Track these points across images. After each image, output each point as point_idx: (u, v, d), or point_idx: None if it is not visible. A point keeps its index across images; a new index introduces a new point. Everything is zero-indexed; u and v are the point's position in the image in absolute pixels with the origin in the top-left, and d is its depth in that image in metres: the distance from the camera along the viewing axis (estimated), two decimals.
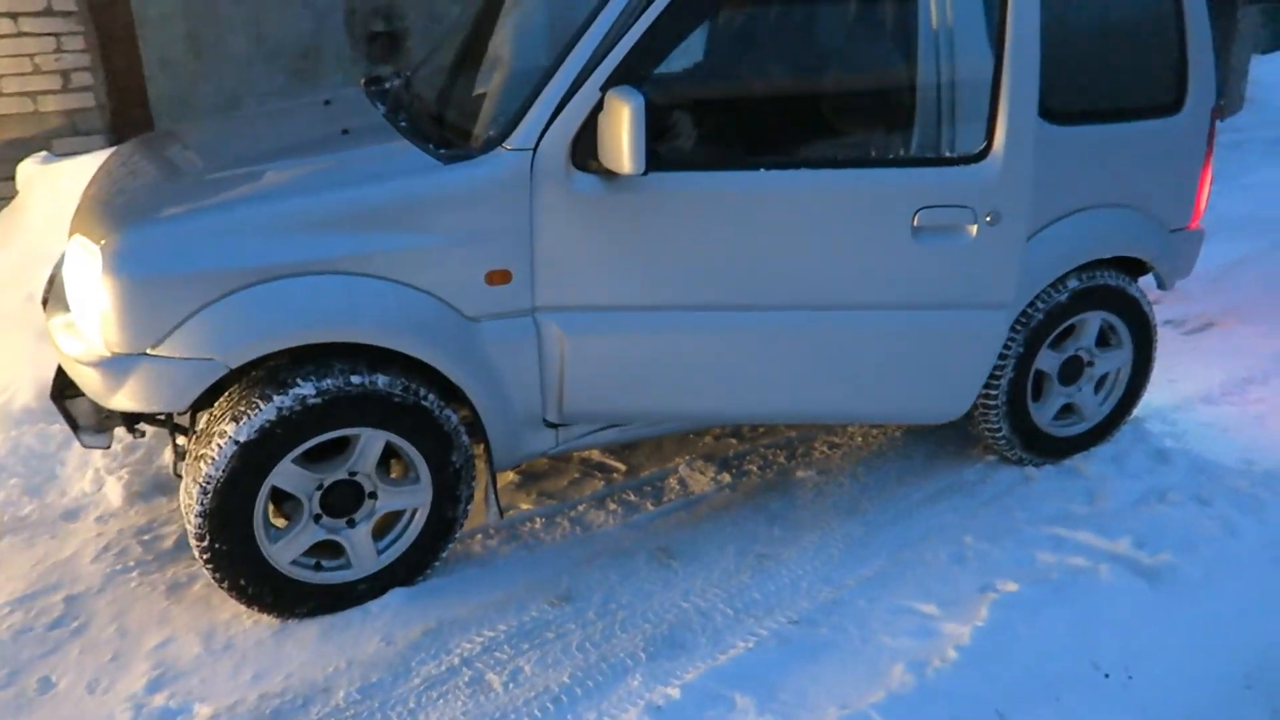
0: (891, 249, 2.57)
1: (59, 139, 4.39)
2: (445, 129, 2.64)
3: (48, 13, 4.31)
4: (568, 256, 2.45)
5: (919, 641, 2.33)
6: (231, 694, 2.27)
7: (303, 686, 2.28)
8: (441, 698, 2.24)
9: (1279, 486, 3.02)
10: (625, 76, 2.30)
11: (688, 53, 3.92)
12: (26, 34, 4.27)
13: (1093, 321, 3.12)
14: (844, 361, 2.70)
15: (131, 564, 2.76)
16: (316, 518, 2.45)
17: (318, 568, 2.50)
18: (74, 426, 2.67)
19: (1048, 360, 3.10)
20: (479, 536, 2.91)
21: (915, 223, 2.55)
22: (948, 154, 2.58)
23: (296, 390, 2.30)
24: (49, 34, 4.31)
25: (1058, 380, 3.15)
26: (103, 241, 2.26)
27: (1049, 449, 3.19)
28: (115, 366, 2.28)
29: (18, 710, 2.26)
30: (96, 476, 3.18)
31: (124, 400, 2.31)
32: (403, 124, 2.74)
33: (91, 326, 2.32)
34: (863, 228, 2.56)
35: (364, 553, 2.51)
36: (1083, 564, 2.56)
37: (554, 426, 2.67)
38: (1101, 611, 2.39)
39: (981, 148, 2.56)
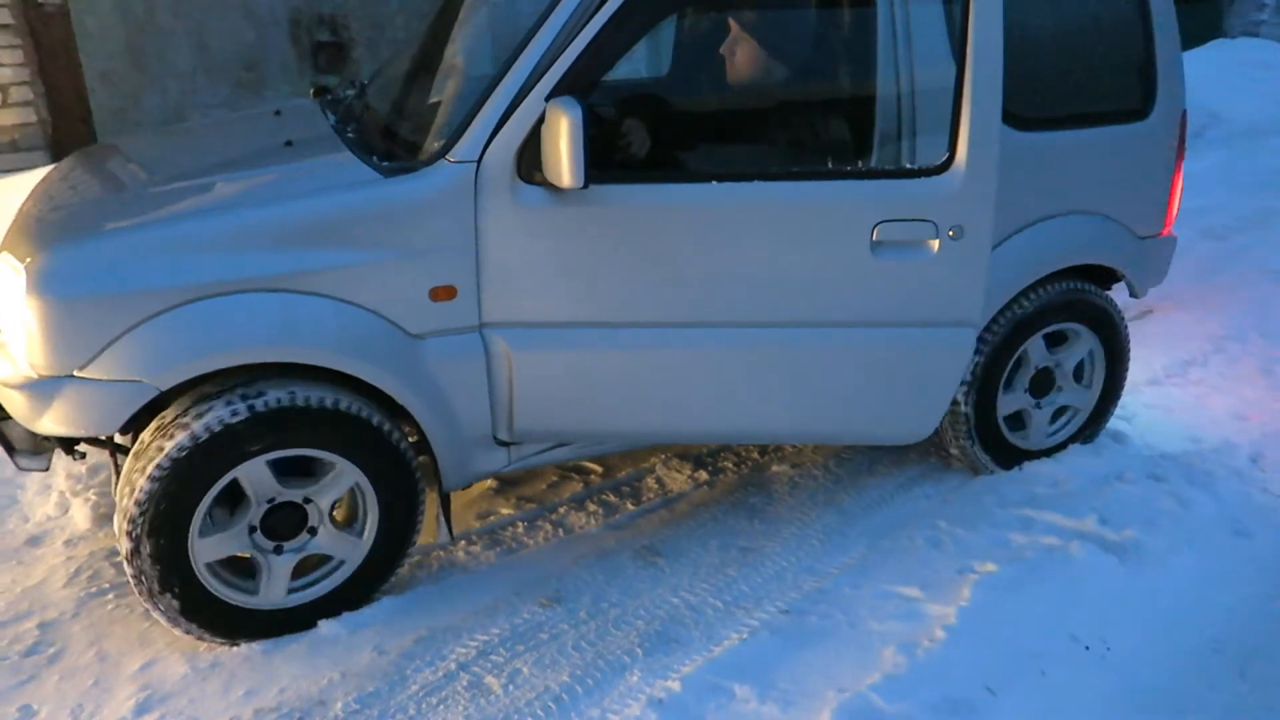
0: (849, 264, 2.50)
1: (0, 155, 4.28)
2: (393, 141, 2.59)
3: None
4: (515, 271, 2.39)
5: (906, 624, 2.39)
6: (224, 712, 2.23)
7: (298, 700, 2.26)
8: (442, 703, 2.24)
9: (1226, 460, 3.18)
10: (571, 87, 2.25)
11: (638, 63, 3.96)
12: None
13: (1073, 337, 3.10)
14: (801, 380, 2.63)
15: (105, 586, 2.69)
16: (277, 549, 2.39)
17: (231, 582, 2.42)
18: (9, 449, 2.58)
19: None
20: (462, 543, 2.91)
21: (874, 237, 2.47)
22: (908, 165, 2.51)
23: (278, 394, 2.26)
24: None
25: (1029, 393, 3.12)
26: (27, 260, 2.19)
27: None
28: (41, 389, 2.22)
29: None
30: (61, 500, 3.09)
31: (50, 424, 2.25)
32: (350, 136, 2.68)
33: (18, 348, 2.25)
34: (818, 242, 2.49)
35: (276, 585, 2.42)
36: (1054, 543, 2.65)
37: (506, 445, 2.62)
38: (1076, 587, 2.48)
39: (944, 159, 2.49)
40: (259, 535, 2.37)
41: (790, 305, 2.54)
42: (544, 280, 2.42)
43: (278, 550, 2.39)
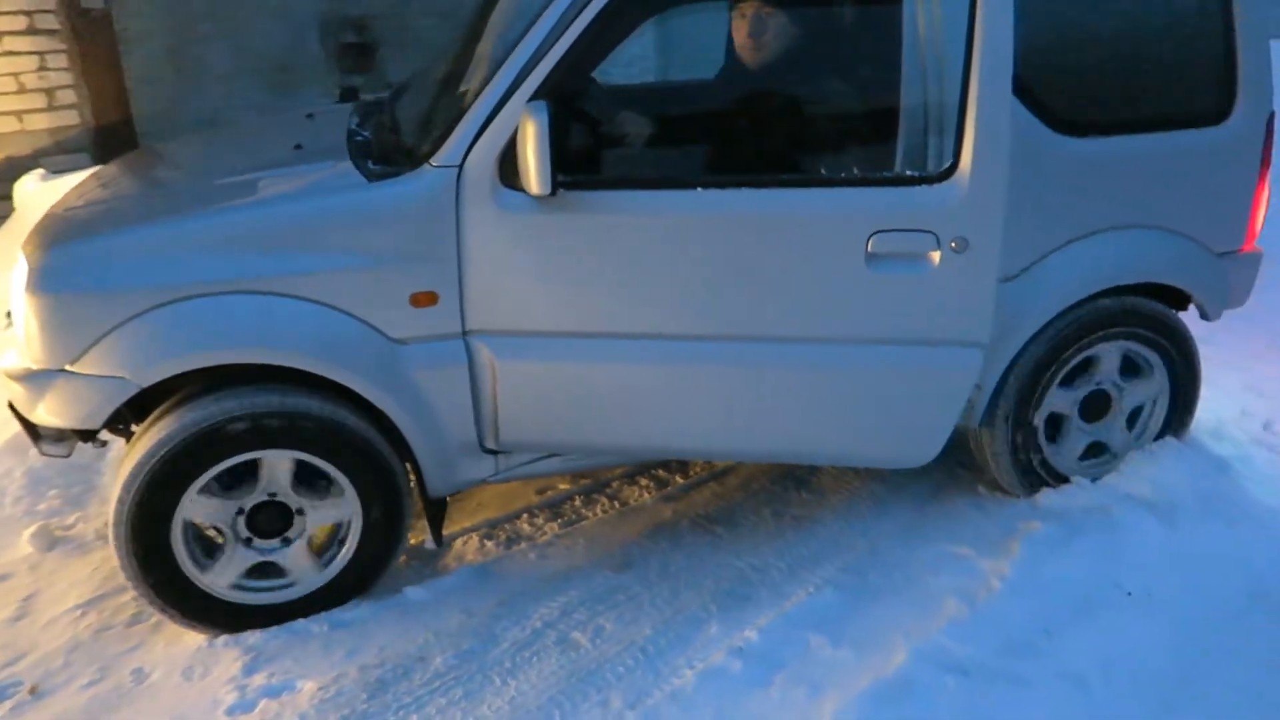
0: (841, 277, 2.37)
1: (46, 157, 4.39)
2: (395, 146, 2.58)
3: (31, 31, 4.32)
4: (498, 278, 2.36)
5: (962, 579, 2.55)
6: (330, 670, 2.37)
7: (398, 658, 2.40)
8: (535, 656, 2.39)
9: (1245, 428, 3.36)
10: (551, 93, 2.22)
11: (623, 66, 4.03)
12: (11, 53, 4.27)
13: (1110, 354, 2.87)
14: (794, 399, 2.51)
15: None
16: (247, 541, 2.45)
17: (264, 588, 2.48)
18: (33, 436, 2.64)
19: (1060, 399, 2.87)
20: (525, 516, 3.05)
21: (869, 249, 2.34)
22: (908, 173, 2.35)
23: (184, 419, 2.29)
24: (33, 52, 4.32)
25: (1079, 418, 2.92)
26: (32, 258, 2.31)
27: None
28: (37, 381, 2.32)
29: (120, 701, 2.32)
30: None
31: (44, 415, 2.34)
32: (357, 140, 2.69)
33: (21, 340, 2.36)
34: (808, 253, 2.37)
35: (305, 568, 2.49)
36: (1092, 503, 2.81)
37: (493, 454, 2.59)
38: (1117, 543, 2.64)
39: (947, 166, 2.32)
40: (241, 521, 2.43)
41: (781, 319, 2.43)
42: (527, 288, 2.39)
43: (285, 543, 2.48)
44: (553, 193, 2.19)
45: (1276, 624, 2.44)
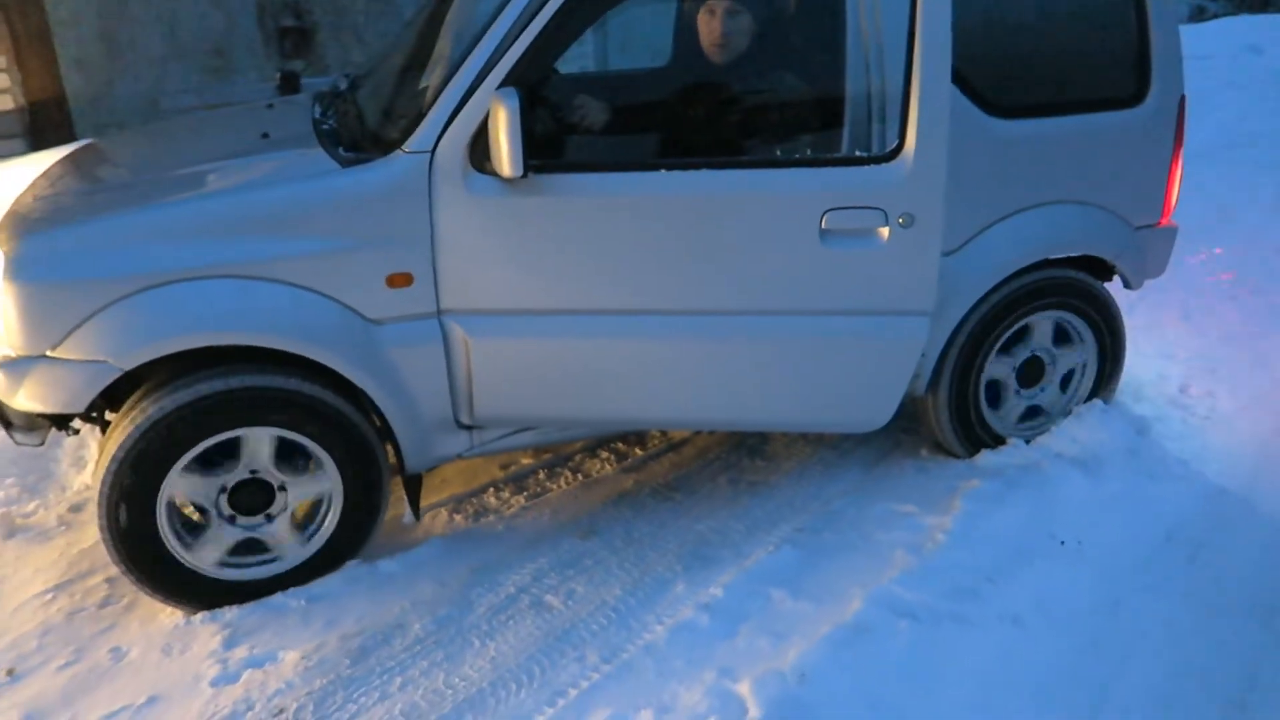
0: (798, 252, 2.49)
1: None
2: (363, 133, 2.64)
3: None
4: (469, 259, 2.44)
5: (910, 534, 2.72)
6: (311, 640, 2.43)
7: (377, 625, 2.47)
8: (510, 619, 2.48)
9: (1161, 390, 3.61)
10: (519, 79, 2.29)
11: (591, 54, 4.13)
12: None
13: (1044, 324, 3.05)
14: (754, 369, 2.63)
15: None
16: (231, 518, 2.50)
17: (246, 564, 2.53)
18: (6, 425, 2.67)
19: (998, 366, 3.05)
20: (491, 490, 3.14)
21: (823, 225, 2.46)
22: (858, 153, 2.48)
23: (164, 400, 2.33)
24: None
25: (1017, 384, 3.12)
26: (6, 247, 2.32)
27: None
28: (17, 367, 2.34)
29: (99, 680, 2.35)
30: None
31: (25, 400, 2.36)
32: (325, 128, 2.74)
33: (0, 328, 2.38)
34: (767, 230, 2.48)
35: (288, 543, 2.55)
36: (1028, 462, 3.01)
37: (468, 429, 2.67)
38: (1050, 496, 2.84)
39: (893, 147, 2.45)
40: (224, 500, 2.48)
41: (740, 293, 2.54)
42: (497, 268, 2.46)
43: (269, 519, 2.53)
44: (524, 175, 2.27)
45: (1190, 563, 2.67)
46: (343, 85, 3.34)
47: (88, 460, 3.25)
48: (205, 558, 2.50)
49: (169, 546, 2.45)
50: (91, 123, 4.68)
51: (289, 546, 2.57)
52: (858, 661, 2.16)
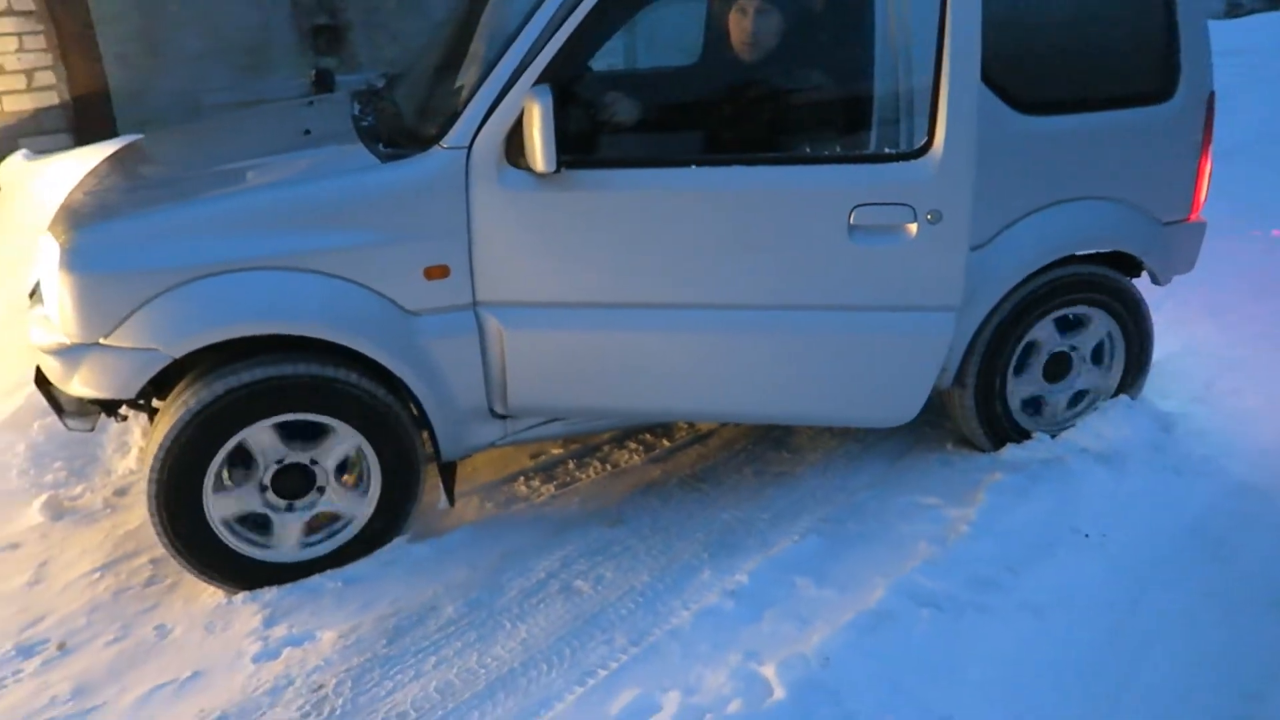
0: (826, 248, 2.53)
1: (25, 137, 4.41)
2: (401, 130, 2.72)
3: (8, 12, 4.34)
4: (504, 252, 2.51)
5: (932, 525, 2.76)
6: (347, 620, 2.51)
7: (411, 608, 2.55)
8: (541, 603, 2.55)
9: (1185, 386, 3.62)
10: (555, 76, 2.36)
11: (625, 51, 4.17)
12: None
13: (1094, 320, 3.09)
14: (782, 362, 2.67)
15: None
16: (263, 488, 2.57)
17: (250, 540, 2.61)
18: (59, 411, 2.79)
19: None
20: (520, 479, 3.21)
21: (851, 221, 2.51)
22: (887, 150, 2.52)
23: (287, 367, 2.46)
24: (10, 34, 4.33)
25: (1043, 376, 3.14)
26: (62, 239, 2.41)
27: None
28: (72, 355, 2.43)
29: (146, 655, 2.45)
30: (141, 454, 3.31)
31: (79, 386, 2.46)
32: (364, 125, 2.82)
33: (55, 317, 2.46)
34: (794, 226, 2.52)
35: (289, 539, 2.62)
36: (1051, 456, 3.04)
37: (501, 418, 2.74)
38: (1073, 490, 2.87)
39: (922, 143, 2.49)
40: (270, 494, 2.58)
41: (769, 287, 2.59)
42: (532, 261, 2.53)
43: (289, 508, 2.61)
44: (556, 170, 2.33)
45: (1211, 558, 2.69)
46: (379, 83, 3.43)
47: (131, 445, 3.35)
48: (285, 547, 2.61)
49: (204, 486, 2.50)
50: (132, 118, 4.79)
51: (287, 541, 2.63)
52: (880, 647, 2.20)
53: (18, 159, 4.12)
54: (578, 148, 2.44)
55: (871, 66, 2.53)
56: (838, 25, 2.77)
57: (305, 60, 5.60)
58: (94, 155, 3.91)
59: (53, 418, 3.44)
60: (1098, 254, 3.08)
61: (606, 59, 2.81)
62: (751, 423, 3.27)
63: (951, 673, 2.18)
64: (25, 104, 4.41)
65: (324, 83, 5.69)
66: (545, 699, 2.21)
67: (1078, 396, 3.26)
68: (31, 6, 4.34)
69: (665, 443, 3.43)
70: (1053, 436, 3.17)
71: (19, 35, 4.32)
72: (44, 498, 3.07)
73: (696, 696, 2.12)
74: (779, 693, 2.07)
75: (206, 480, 2.49)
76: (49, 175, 3.97)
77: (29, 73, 4.38)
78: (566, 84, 2.42)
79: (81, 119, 4.62)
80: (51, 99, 4.51)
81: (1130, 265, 3.16)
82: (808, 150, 2.57)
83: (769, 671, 2.15)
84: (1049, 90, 2.83)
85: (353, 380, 2.53)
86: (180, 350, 2.40)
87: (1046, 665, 2.25)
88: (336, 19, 5.73)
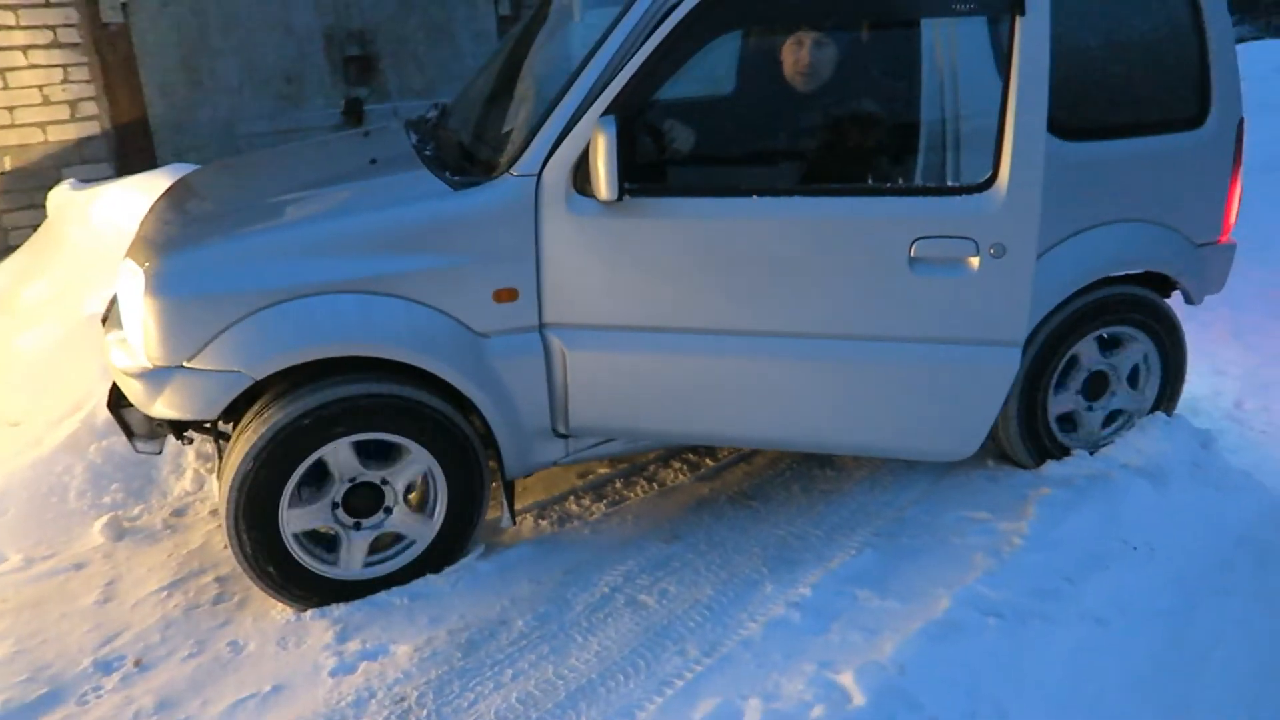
0: (887, 279, 2.57)
1: (68, 166, 4.49)
2: (465, 158, 2.81)
3: (54, 45, 4.43)
4: (570, 276, 2.58)
5: (985, 539, 2.82)
6: (419, 634, 2.56)
7: (481, 622, 2.60)
8: (609, 617, 2.60)
9: (1218, 404, 3.70)
10: (623, 107, 2.43)
11: (690, 82, 4.25)
12: (35, 66, 4.37)
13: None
14: (841, 392, 2.71)
15: None
16: (334, 506, 2.64)
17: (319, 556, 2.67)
18: (129, 434, 2.87)
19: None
20: (571, 497, 3.27)
21: (912, 253, 2.55)
22: (950, 183, 2.57)
23: (373, 386, 2.53)
24: (57, 65, 4.42)
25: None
26: (145, 265, 2.48)
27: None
28: (156, 378, 2.50)
29: (223, 670, 2.49)
30: (196, 476, 3.37)
31: (163, 408, 2.52)
32: (427, 153, 2.91)
33: (137, 341, 2.54)
34: (854, 256, 2.57)
35: (353, 558, 2.68)
36: (1095, 471, 3.11)
37: (564, 437, 2.80)
38: (1120, 504, 2.93)
39: (986, 177, 2.53)
40: (340, 512, 2.64)
41: (828, 317, 2.63)
42: (596, 285, 2.60)
43: (357, 526, 2.67)
44: (619, 198, 2.41)
45: (1259, 566, 2.75)
46: (432, 114, 3.52)
47: (185, 467, 3.40)
48: (352, 565, 2.67)
49: (281, 501, 2.55)
50: (172, 147, 4.88)
51: (352, 559, 2.69)
52: (953, 655, 2.26)
53: (65, 189, 4.19)
54: (640, 176, 2.51)
55: (934, 99, 2.60)
56: (894, 58, 2.84)
57: (338, 90, 5.70)
58: (142, 184, 3.99)
59: (109, 440, 3.50)
60: (1132, 275, 3.16)
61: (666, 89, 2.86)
62: (809, 451, 3.31)
63: (1024, 678, 2.24)
64: (69, 133, 4.49)
65: (353, 111, 5.81)
66: (626, 708, 2.25)
67: (1113, 416, 3.33)
68: (78, 40, 4.44)
69: (709, 461, 3.49)
70: (1091, 453, 3.24)
71: (64, 67, 4.42)
72: (105, 519, 3.12)
73: (777, 703, 2.17)
74: (859, 699, 2.12)
75: (284, 495, 2.54)
76: (101, 204, 4.05)
77: (73, 103, 4.47)
78: (631, 114, 2.49)
79: (123, 148, 4.70)
80: (94, 129, 4.60)
81: (1162, 286, 3.24)
82: (869, 181, 2.61)
83: (846, 679, 2.20)
84: (1089, 117, 2.92)
85: (430, 402, 2.60)
86: (264, 372, 2.47)
87: (1114, 673, 2.31)
88: (367, 49, 5.85)
